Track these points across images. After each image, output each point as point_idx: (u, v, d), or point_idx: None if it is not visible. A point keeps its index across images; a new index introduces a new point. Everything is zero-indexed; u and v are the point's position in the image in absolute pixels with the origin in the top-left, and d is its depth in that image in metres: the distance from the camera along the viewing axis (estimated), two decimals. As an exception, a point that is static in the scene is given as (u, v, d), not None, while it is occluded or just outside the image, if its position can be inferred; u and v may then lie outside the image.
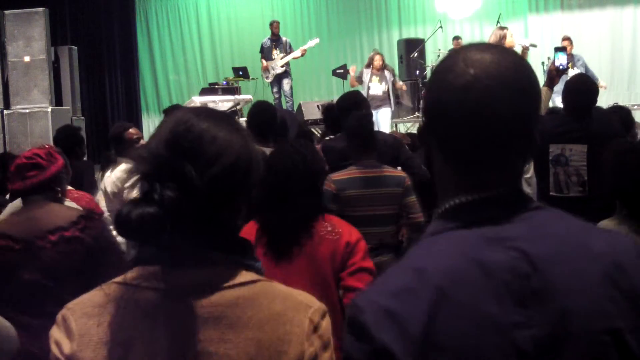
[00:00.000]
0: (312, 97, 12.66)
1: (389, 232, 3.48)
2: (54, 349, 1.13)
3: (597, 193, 3.63)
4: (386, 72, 9.42)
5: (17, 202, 3.43)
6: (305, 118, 10.01)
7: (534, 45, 7.02)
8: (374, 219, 3.35)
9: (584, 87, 3.77)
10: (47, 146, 2.87)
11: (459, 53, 1.01)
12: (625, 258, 0.95)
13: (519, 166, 1.01)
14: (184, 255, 1.10)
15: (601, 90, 12.72)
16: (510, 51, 1.02)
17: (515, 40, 6.83)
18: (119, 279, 1.14)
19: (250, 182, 1.17)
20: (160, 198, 1.05)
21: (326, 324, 1.13)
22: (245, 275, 1.12)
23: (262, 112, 4.00)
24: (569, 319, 0.90)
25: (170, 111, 4.31)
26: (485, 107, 0.95)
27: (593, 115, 3.77)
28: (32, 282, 2.50)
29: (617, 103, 9.74)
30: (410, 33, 13.11)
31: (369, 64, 9.56)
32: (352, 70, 9.87)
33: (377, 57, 9.50)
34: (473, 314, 0.90)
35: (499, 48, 1.02)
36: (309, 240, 2.37)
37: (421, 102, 9.71)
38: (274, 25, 10.99)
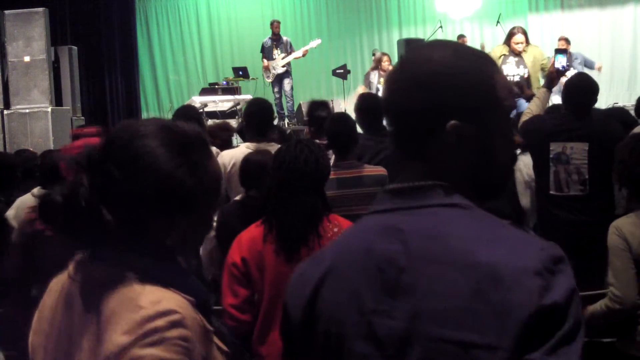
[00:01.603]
0: (312, 97, 12.61)
1: None
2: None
3: (597, 191, 3.63)
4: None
5: (27, 197, 3.47)
6: (306, 118, 10.01)
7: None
8: (353, 219, 3.34)
9: (585, 86, 3.77)
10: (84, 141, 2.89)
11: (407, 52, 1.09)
12: (510, 273, 0.87)
13: (441, 160, 0.99)
14: (95, 251, 1.18)
15: (601, 90, 12.66)
16: (444, 46, 1.02)
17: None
18: (70, 264, 1.23)
19: (189, 207, 1.17)
20: (72, 191, 1.13)
21: (158, 322, 1.06)
22: (128, 275, 1.13)
23: (260, 110, 4.00)
24: (419, 320, 0.91)
25: (180, 112, 4.35)
26: (388, 102, 1.03)
27: (593, 114, 3.78)
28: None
29: (617, 103, 9.76)
30: (410, 33, 13.11)
31: (376, 66, 9.58)
32: (362, 89, 9.84)
33: (385, 59, 9.53)
34: (346, 292, 0.98)
35: (434, 45, 1.05)
36: (318, 239, 2.37)
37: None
38: (275, 25, 10.99)
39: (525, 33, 6.91)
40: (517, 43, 6.77)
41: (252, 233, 2.45)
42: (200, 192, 1.17)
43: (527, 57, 6.79)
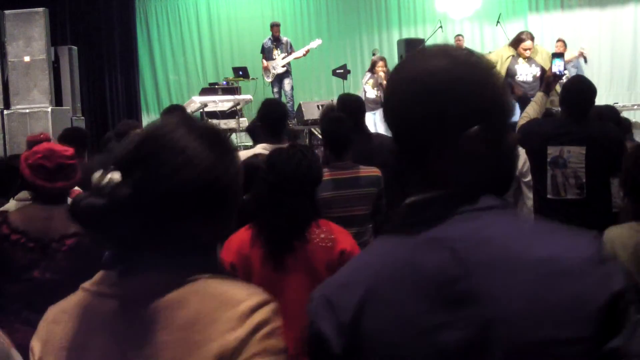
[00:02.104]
0: (312, 97, 12.66)
1: (366, 231, 3.49)
2: (30, 355, 1.14)
3: (595, 195, 3.62)
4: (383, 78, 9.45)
5: (10, 205, 3.41)
6: (306, 118, 10.02)
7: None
8: (351, 220, 3.35)
9: (583, 88, 3.77)
10: (50, 142, 2.87)
11: (397, 67, 1.06)
12: (575, 264, 0.88)
13: (460, 168, 0.99)
14: (136, 260, 1.10)
15: (600, 89, 12.73)
16: (447, 53, 1.02)
17: None
18: (85, 284, 1.15)
19: (223, 202, 1.15)
20: (112, 192, 1.07)
21: (258, 318, 1.06)
22: (189, 277, 1.10)
23: (274, 111, 4.03)
24: (492, 326, 0.88)
25: (168, 111, 4.33)
26: (400, 111, 1.00)
27: (591, 117, 3.77)
28: (43, 280, 2.51)
29: (617, 103, 9.76)
30: (410, 33, 13.11)
31: (371, 68, 9.56)
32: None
33: (381, 63, 9.50)
34: (398, 312, 0.94)
35: (427, 52, 1.03)
36: (304, 245, 2.37)
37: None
38: (275, 29, 10.98)
39: (533, 39, 6.91)
40: (526, 49, 6.78)
41: (241, 237, 2.45)
42: (231, 185, 1.16)
43: (537, 57, 6.80)
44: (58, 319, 1.13)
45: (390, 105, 1.03)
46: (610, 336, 0.86)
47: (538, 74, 6.75)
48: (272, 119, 3.96)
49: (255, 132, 4.80)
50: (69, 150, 2.71)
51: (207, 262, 1.14)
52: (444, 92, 0.97)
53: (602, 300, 0.86)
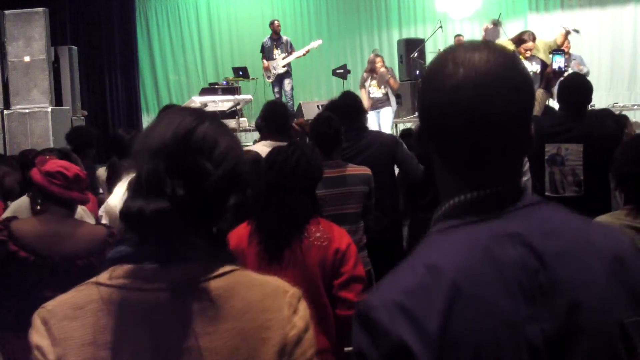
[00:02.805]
0: (312, 97, 12.67)
1: (357, 230, 3.49)
2: (36, 354, 1.09)
3: (593, 193, 3.62)
4: (386, 76, 9.41)
5: (21, 201, 3.43)
6: (306, 118, 10.00)
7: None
8: (342, 218, 3.36)
9: (581, 86, 3.78)
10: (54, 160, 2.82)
11: (448, 53, 1.00)
12: (625, 252, 0.97)
13: (517, 164, 1.02)
14: (169, 252, 1.09)
15: (600, 90, 12.66)
16: (500, 48, 1.02)
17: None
18: (97, 279, 1.12)
19: (245, 185, 1.19)
20: (173, 193, 1.06)
21: (303, 306, 1.15)
22: (223, 267, 1.12)
23: (278, 111, 4.09)
24: (578, 313, 0.91)
25: (165, 111, 4.36)
26: (476, 106, 0.95)
27: (588, 115, 3.78)
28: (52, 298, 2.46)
29: (617, 103, 9.76)
30: (410, 33, 13.12)
31: (370, 68, 9.51)
32: (364, 93, 9.83)
33: (379, 60, 9.43)
34: (488, 310, 0.90)
35: (489, 46, 1.00)
36: (300, 244, 2.37)
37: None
38: (275, 25, 10.98)
39: (535, 39, 6.94)
40: (527, 50, 6.81)
41: (239, 233, 2.45)
42: (246, 172, 1.20)
43: (540, 53, 6.81)
44: (72, 315, 1.09)
45: (449, 100, 0.96)
46: None
47: (538, 71, 6.75)
48: (273, 117, 4.00)
49: (261, 130, 4.87)
50: (77, 168, 2.67)
51: (231, 253, 1.17)
52: (522, 87, 0.98)
53: None
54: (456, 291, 0.90)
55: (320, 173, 2.59)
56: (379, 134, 4.30)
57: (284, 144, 3.47)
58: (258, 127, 5.29)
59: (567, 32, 6.90)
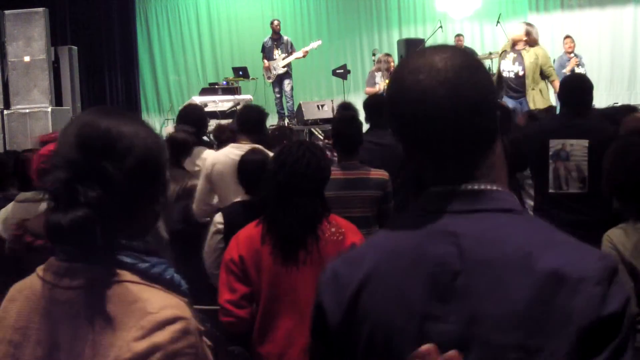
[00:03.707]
0: (312, 97, 12.66)
1: (366, 235, 3.47)
2: None
3: (597, 189, 3.62)
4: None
5: (11, 206, 3.38)
6: (306, 118, 10.01)
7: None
8: (355, 221, 3.35)
9: (584, 85, 3.79)
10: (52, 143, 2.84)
11: (406, 58, 1.06)
12: (575, 280, 0.88)
13: (483, 161, 1.00)
14: (79, 253, 1.11)
15: (600, 89, 12.64)
16: (455, 50, 1.03)
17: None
18: (38, 268, 1.18)
19: (162, 169, 1.20)
20: (86, 199, 1.07)
21: (166, 331, 1.06)
22: (121, 275, 1.12)
23: (246, 114, 4.08)
24: (477, 324, 0.90)
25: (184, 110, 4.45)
26: (421, 105, 0.97)
27: (593, 113, 3.79)
28: None
29: (617, 103, 9.75)
30: (410, 33, 13.11)
31: (379, 68, 9.57)
32: (369, 91, 9.89)
33: (390, 59, 9.55)
34: (395, 295, 0.96)
35: (444, 49, 1.03)
36: (316, 242, 2.37)
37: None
38: (275, 24, 10.98)
39: (528, 32, 6.88)
40: (515, 37, 6.85)
41: (250, 232, 2.45)
42: (160, 162, 1.21)
43: (528, 55, 6.77)
44: (13, 297, 1.18)
45: (433, 95, 0.98)
46: (585, 357, 0.86)
47: (521, 73, 6.78)
48: (244, 121, 3.99)
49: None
50: None
51: (143, 258, 1.14)
52: (486, 86, 1.00)
53: (589, 320, 0.86)
54: (375, 270, 0.99)
55: (329, 172, 2.59)
56: (391, 139, 4.34)
57: (254, 147, 3.49)
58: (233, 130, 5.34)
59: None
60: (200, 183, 3.80)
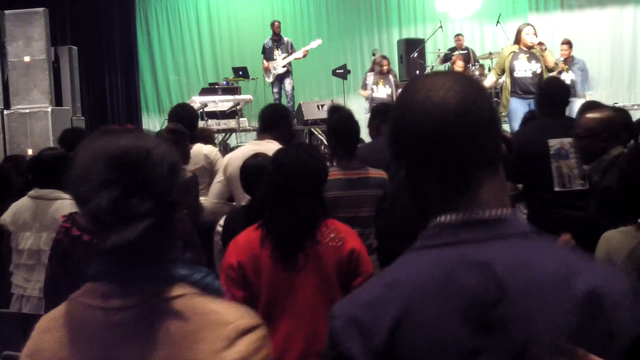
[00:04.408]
0: (312, 97, 12.65)
1: (370, 234, 3.48)
2: None
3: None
4: (390, 76, 9.52)
5: (24, 200, 3.42)
6: (306, 118, 10.01)
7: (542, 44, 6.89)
8: (356, 221, 3.34)
9: (564, 87, 3.97)
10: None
11: (413, 80, 1.05)
12: (614, 299, 0.91)
13: (492, 184, 0.99)
14: (129, 271, 1.10)
15: (600, 90, 12.62)
16: (462, 76, 1.04)
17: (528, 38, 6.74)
18: (73, 295, 1.14)
19: (181, 174, 1.20)
20: (143, 211, 1.06)
21: (246, 341, 1.08)
22: (177, 289, 1.11)
23: (270, 111, 4.08)
24: (524, 351, 0.89)
25: (175, 110, 4.45)
26: (434, 121, 0.96)
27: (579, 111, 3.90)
28: None
29: (617, 103, 9.75)
30: (410, 33, 13.11)
31: (373, 68, 9.59)
32: (364, 93, 9.92)
33: (385, 62, 9.56)
34: (436, 334, 0.90)
35: (449, 72, 1.06)
36: (314, 245, 2.35)
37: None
38: (276, 25, 10.98)
39: (533, 27, 6.85)
40: (528, 34, 6.66)
41: (249, 236, 2.43)
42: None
43: (538, 52, 6.72)
44: (48, 327, 1.13)
45: (446, 112, 0.98)
46: None
47: (538, 71, 6.65)
48: (265, 119, 3.98)
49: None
50: None
51: (193, 270, 1.13)
52: (485, 106, 1.01)
53: (632, 335, 0.89)
54: (407, 310, 0.91)
55: (327, 173, 2.58)
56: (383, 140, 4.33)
57: (272, 143, 3.48)
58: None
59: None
60: (217, 176, 3.85)
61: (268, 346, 1.09)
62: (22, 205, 3.40)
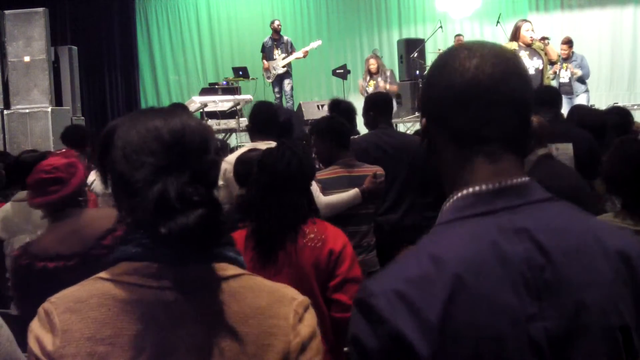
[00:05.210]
0: (312, 97, 12.65)
1: (369, 231, 3.49)
2: (33, 345, 1.08)
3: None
4: (380, 79, 9.49)
5: (8, 206, 3.38)
6: (305, 118, 10.00)
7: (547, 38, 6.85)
8: (357, 218, 3.35)
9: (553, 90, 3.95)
10: (64, 151, 2.71)
11: (458, 48, 1.03)
12: (632, 252, 0.96)
13: (522, 155, 1.02)
14: (181, 252, 1.07)
15: (600, 90, 12.59)
16: (500, 45, 1.05)
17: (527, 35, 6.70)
18: (104, 274, 1.11)
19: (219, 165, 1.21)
20: (201, 197, 1.05)
21: (310, 315, 1.15)
22: (231, 269, 1.13)
23: (261, 112, 4.04)
24: (584, 312, 0.91)
25: (174, 108, 4.42)
26: (495, 88, 0.97)
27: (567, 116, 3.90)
28: None
29: (617, 103, 9.75)
30: (410, 33, 13.11)
31: (375, 72, 9.59)
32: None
33: (372, 62, 9.55)
34: (491, 305, 0.89)
35: (492, 43, 1.05)
36: (294, 245, 2.35)
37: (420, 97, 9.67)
38: (276, 24, 10.98)
39: (530, 23, 6.82)
40: (527, 30, 6.60)
41: (238, 235, 2.43)
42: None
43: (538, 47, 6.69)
44: (73, 308, 1.07)
45: (467, 84, 0.97)
46: None
47: (540, 67, 6.61)
48: (257, 119, 3.95)
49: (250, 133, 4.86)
50: (58, 162, 2.56)
51: (238, 253, 1.17)
52: (527, 79, 1.02)
53: None
54: (459, 283, 0.89)
55: (313, 172, 2.58)
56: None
57: (271, 143, 3.48)
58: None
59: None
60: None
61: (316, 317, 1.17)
62: (8, 211, 3.35)
